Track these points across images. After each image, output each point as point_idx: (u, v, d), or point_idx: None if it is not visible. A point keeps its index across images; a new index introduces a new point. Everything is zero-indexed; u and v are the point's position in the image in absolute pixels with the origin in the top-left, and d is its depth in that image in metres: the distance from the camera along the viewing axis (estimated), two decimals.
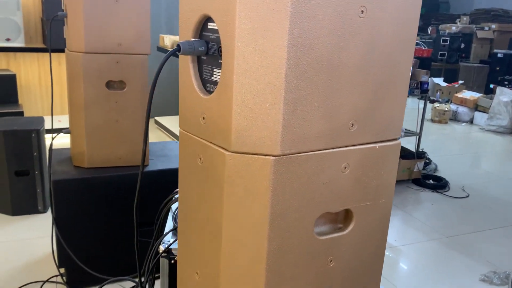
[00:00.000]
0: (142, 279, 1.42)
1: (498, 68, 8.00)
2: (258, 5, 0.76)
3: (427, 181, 3.97)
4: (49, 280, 2.24)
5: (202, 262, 0.97)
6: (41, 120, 3.03)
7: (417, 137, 4.17)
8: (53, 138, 2.10)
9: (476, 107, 6.61)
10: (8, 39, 4.20)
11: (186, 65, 0.92)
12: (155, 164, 2.29)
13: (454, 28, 8.90)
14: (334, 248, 0.95)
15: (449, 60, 8.49)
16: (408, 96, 4.17)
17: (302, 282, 0.93)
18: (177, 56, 0.92)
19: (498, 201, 3.74)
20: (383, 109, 0.93)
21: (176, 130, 4.69)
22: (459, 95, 6.85)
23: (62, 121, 4.66)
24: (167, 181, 2.25)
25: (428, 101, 4.30)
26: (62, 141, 4.00)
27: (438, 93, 7.27)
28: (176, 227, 1.46)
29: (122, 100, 2.12)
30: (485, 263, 2.74)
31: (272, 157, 0.82)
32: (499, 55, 8.04)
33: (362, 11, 0.83)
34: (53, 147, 2.24)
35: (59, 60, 4.73)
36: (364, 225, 0.99)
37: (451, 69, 8.53)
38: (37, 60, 4.66)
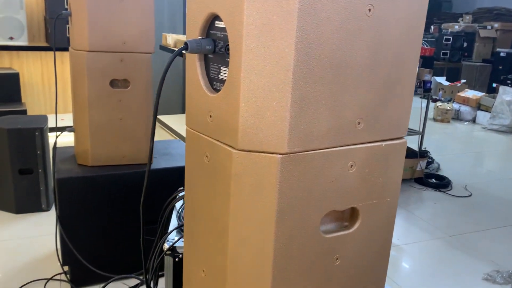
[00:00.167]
0: (147, 276, 1.43)
1: (500, 67, 7.99)
2: (266, 3, 0.76)
3: (429, 180, 3.96)
4: (53, 278, 2.25)
5: (208, 260, 0.97)
6: (44, 118, 3.03)
7: (420, 136, 4.16)
8: (57, 136, 2.10)
9: (478, 106, 6.60)
10: (11, 38, 4.21)
11: (193, 64, 0.93)
12: (159, 163, 2.30)
13: (456, 27, 8.89)
14: (340, 246, 0.96)
15: (452, 59, 8.47)
16: None
17: (308, 279, 0.93)
18: (181, 55, 0.92)
19: (501, 200, 3.73)
20: (389, 108, 0.94)
21: (178, 128, 4.70)
22: (462, 94, 6.84)
23: (65, 119, 4.67)
24: (170, 180, 2.25)
25: (430, 100, 4.30)
26: (66, 140, 4.01)
27: (441, 92, 7.27)
28: (181, 225, 1.47)
29: (126, 99, 2.13)
30: (488, 262, 2.74)
31: (279, 155, 0.82)
32: (501, 54, 8.03)
33: (370, 10, 0.83)
34: (57, 146, 2.25)
35: (62, 59, 4.74)
36: (370, 224, 0.99)
37: (454, 68, 8.52)
38: (40, 59, 4.67)
